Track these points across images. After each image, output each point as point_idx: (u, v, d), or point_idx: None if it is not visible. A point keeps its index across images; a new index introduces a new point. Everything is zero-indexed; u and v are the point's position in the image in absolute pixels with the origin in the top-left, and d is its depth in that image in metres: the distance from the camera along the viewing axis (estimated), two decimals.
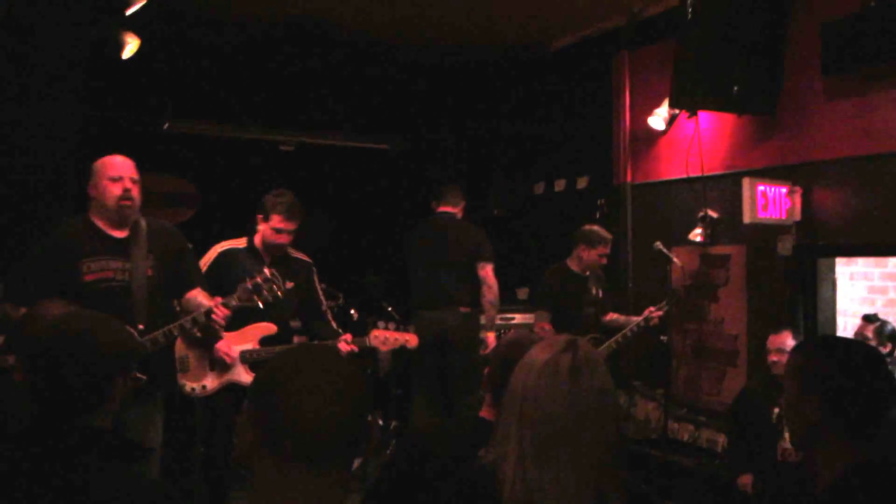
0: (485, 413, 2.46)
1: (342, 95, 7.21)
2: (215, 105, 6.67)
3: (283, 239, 4.50)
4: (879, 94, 4.75)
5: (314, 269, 4.76)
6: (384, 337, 4.57)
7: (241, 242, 4.59)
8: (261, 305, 4.05)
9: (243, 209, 4.77)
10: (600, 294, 5.63)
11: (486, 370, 2.52)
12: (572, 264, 5.59)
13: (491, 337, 5.69)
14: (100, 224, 3.77)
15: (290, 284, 4.46)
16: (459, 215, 5.93)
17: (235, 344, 4.42)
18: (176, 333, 3.85)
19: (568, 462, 1.62)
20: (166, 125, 6.43)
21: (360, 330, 6.54)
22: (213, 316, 3.88)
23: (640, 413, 6.17)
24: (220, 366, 4.42)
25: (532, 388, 1.67)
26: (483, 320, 5.75)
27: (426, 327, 5.40)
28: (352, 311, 6.49)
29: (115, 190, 3.71)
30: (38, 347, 1.86)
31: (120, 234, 3.79)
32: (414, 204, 7.68)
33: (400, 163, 7.72)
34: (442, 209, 5.88)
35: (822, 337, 2.39)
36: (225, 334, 4.33)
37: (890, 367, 4.52)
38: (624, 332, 5.47)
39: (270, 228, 4.47)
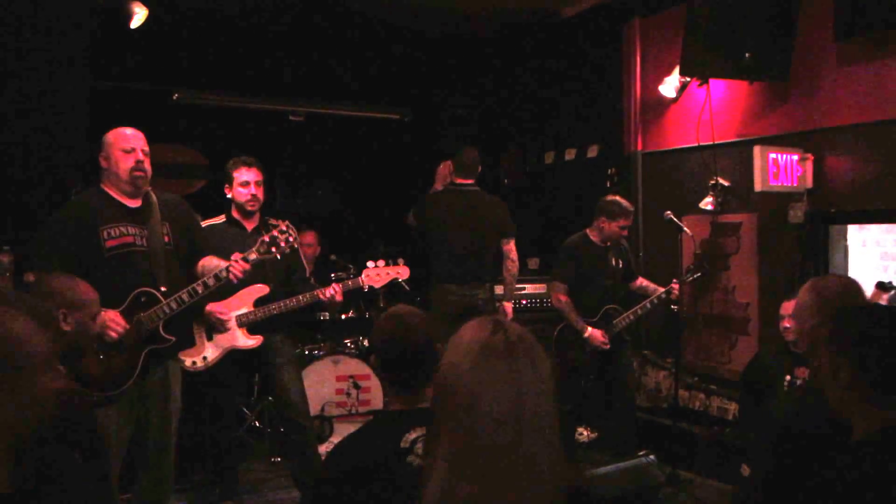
0: (395, 405, 2.35)
1: (352, 65, 7.18)
2: (224, 75, 6.66)
3: (253, 189, 4.58)
4: (892, 60, 4.70)
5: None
6: (376, 274, 4.64)
7: (219, 219, 4.68)
8: (278, 257, 4.15)
9: None
10: (620, 265, 5.54)
11: (371, 358, 2.41)
12: (593, 234, 5.50)
13: (509, 307, 5.72)
14: (113, 194, 3.81)
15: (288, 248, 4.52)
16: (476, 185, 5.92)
17: (230, 309, 4.47)
18: (200, 291, 3.88)
19: (508, 450, 1.52)
20: (175, 95, 6.43)
21: (373, 302, 6.60)
22: (232, 269, 3.93)
23: (650, 382, 6.18)
24: (216, 332, 4.46)
25: (466, 375, 1.56)
26: (501, 291, 5.78)
27: (452, 301, 5.42)
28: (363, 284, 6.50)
29: (128, 161, 3.76)
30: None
31: (133, 203, 3.84)
32: (425, 174, 7.67)
33: (410, 133, 7.70)
34: (462, 181, 5.82)
35: (855, 307, 2.40)
36: (217, 303, 4.39)
37: None
38: (643, 303, 5.43)
39: (237, 186, 4.57)
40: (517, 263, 5.73)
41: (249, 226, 4.61)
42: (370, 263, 4.66)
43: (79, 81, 5.22)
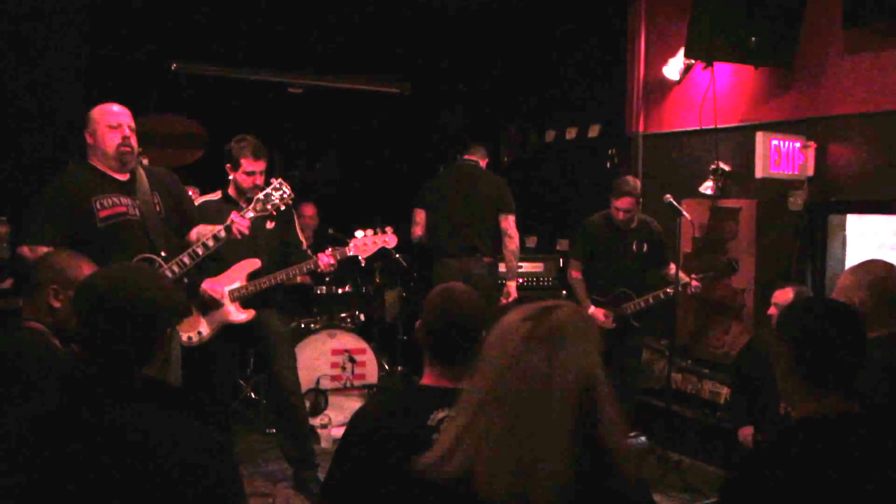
0: (427, 380, 2.30)
1: (352, 38, 7.10)
2: (224, 46, 6.59)
3: (257, 179, 4.56)
4: None
5: (293, 209, 4.81)
6: (363, 243, 4.63)
7: (215, 195, 4.68)
8: (273, 213, 4.22)
9: None
10: (644, 248, 5.44)
11: (417, 324, 2.35)
12: (614, 214, 5.42)
13: (512, 286, 5.73)
14: (102, 168, 3.81)
15: (270, 224, 4.52)
16: (483, 165, 5.89)
17: (222, 284, 4.49)
18: (201, 253, 3.92)
19: (501, 436, 1.55)
20: (174, 66, 6.36)
21: (369, 276, 6.61)
22: (234, 226, 3.98)
23: (644, 364, 6.20)
24: (210, 308, 4.47)
25: (487, 351, 1.62)
26: (504, 269, 5.77)
27: (451, 275, 5.44)
28: (359, 258, 6.50)
29: (115, 138, 3.76)
30: (95, 299, 1.89)
31: (122, 177, 3.85)
32: (424, 150, 7.63)
33: (410, 108, 7.64)
34: (468, 157, 5.83)
35: (801, 297, 2.54)
36: (209, 278, 4.43)
37: None
38: (657, 293, 5.35)
39: (242, 173, 4.55)
40: (516, 241, 5.72)
41: (245, 205, 4.59)
42: (358, 233, 4.66)
43: (76, 51, 5.17)
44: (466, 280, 5.52)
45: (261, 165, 4.57)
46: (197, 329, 4.49)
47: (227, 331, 4.57)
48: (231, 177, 4.60)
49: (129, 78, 5.76)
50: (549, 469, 1.52)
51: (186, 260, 3.87)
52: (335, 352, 5.94)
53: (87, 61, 5.30)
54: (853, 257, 5.30)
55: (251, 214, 4.09)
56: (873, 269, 2.84)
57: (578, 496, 1.54)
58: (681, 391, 5.88)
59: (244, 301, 4.54)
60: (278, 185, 4.15)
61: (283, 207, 4.22)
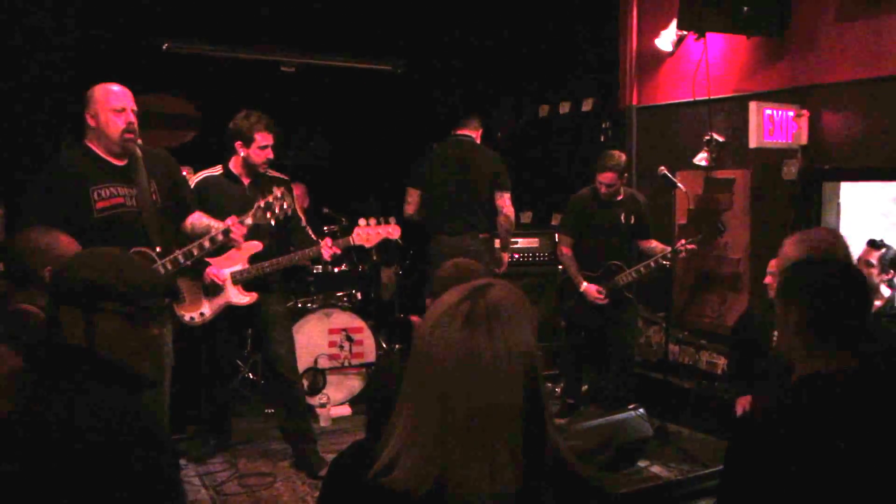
0: None
1: (345, 15, 7.06)
2: (216, 24, 6.54)
3: (269, 154, 4.55)
4: (891, 16, 4.65)
5: (291, 185, 4.80)
6: (366, 233, 4.62)
7: (216, 170, 4.64)
8: (272, 223, 4.18)
9: None
10: (632, 221, 5.46)
11: (427, 302, 2.33)
12: (600, 188, 5.45)
13: (506, 257, 5.82)
14: (100, 152, 3.74)
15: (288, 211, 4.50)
16: (478, 140, 5.87)
17: (224, 266, 4.49)
18: (196, 253, 3.91)
19: (455, 429, 1.41)
20: (166, 45, 6.33)
21: (365, 255, 6.60)
22: (232, 235, 3.96)
23: (641, 336, 6.22)
24: (212, 291, 4.49)
25: (425, 339, 1.46)
26: (497, 244, 5.80)
27: (446, 252, 5.45)
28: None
29: (120, 123, 3.68)
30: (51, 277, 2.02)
31: (120, 162, 3.78)
32: (418, 128, 7.60)
33: (403, 85, 7.62)
34: (461, 132, 5.81)
35: (807, 260, 2.53)
36: (212, 259, 4.42)
37: (891, 289, 4.54)
38: (647, 262, 5.38)
39: (256, 148, 4.50)
40: (511, 219, 5.71)
41: (247, 181, 4.59)
42: (361, 221, 4.64)
43: (67, 30, 5.13)
44: (463, 256, 5.54)
45: (273, 139, 4.54)
46: (199, 310, 4.52)
47: (227, 311, 4.58)
48: (241, 153, 4.53)
49: (120, 57, 5.72)
50: (507, 463, 1.41)
51: (181, 258, 3.84)
52: (333, 331, 5.94)
53: (79, 41, 5.27)
54: (848, 225, 5.31)
55: (250, 221, 4.05)
56: (818, 239, 2.77)
57: (528, 495, 1.44)
58: (678, 362, 5.92)
59: (246, 284, 4.55)
60: (280, 195, 4.09)
61: (281, 217, 4.19)
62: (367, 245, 4.69)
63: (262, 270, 4.52)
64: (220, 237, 3.94)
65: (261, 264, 4.52)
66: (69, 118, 4.98)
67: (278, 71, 7.02)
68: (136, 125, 3.72)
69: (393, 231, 4.69)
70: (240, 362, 5.98)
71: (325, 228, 6.40)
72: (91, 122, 3.70)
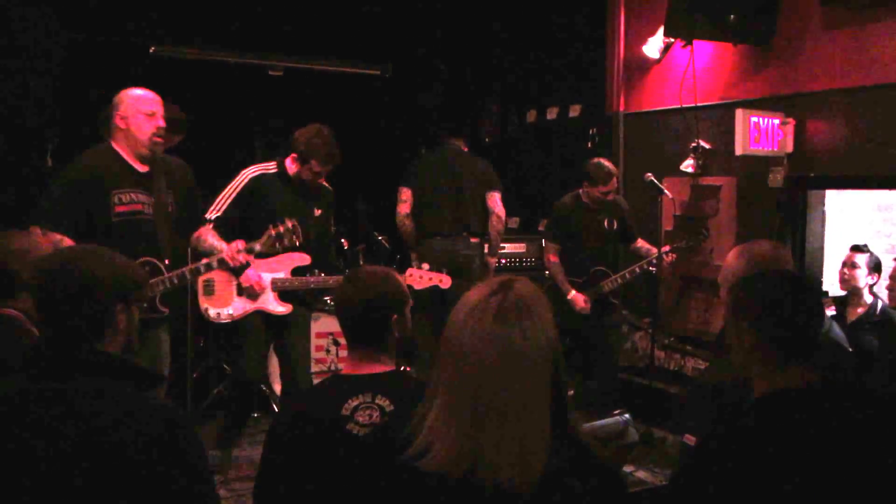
0: (346, 368, 2.38)
1: (332, 19, 7.06)
2: (203, 28, 6.53)
3: (321, 179, 4.51)
4: (877, 25, 4.69)
5: (333, 196, 4.79)
6: (419, 275, 4.57)
7: (270, 167, 4.54)
8: (280, 251, 4.16)
9: (231, 134, 4.72)
10: (615, 226, 5.48)
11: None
12: (583, 195, 5.45)
13: (494, 262, 5.81)
14: (125, 156, 3.77)
15: (318, 212, 4.49)
16: (465, 147, 5.89)
17: (267, 271, 4.41)
18: (203, 271, 3.95)
19: (490, 416, 1.52)
20: (152, 49, 6.30)
21: (351, 260, 6.60)
22: (227, 258, 3.96)
23: (627, 342, 6.24)
24: (248, 293, 4.42)
25: (457, 333, 1.57)
26: (486, 248, 5.80)
27: (436, 256, 5.46)
28: (342, 241, 6.49)
29: (150, 126, 3.74)
30: (37, 277, 1.94)
31: (143, 168, 3.81)
32: (405, 131, 7.60)
33: (391, 90, 7.61)
34: (451, 140, 5.84)
35: (758, 273, 2.48)
36: (257, 261, 4.33)
37: (873, 296, 4.58)
38: (632, 267, 5.40)
39: (309, 171, 4.43)
40: (503, 219, 5.73)
41: (298, 183, 4.51)
42: (414, 264, 4.65)
43: (52, 33, 5.11)
44: (453, 260, 5.55)
45: (329, 169, 4.48)
46: (227, 308, 4.41)
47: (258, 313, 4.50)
48: (295, 167, 4.45)
49: (107, 61, 5.70)
50: (537, 448, 1.51)
51: (187, 274, 3.87)
52: (319, 335, 5.92)
53: (64, 45, 5.24)
54: (833, 232, 5.35)
55: (258, 248, 4.04)
56: (759, 252, 2.70)
57: (553, 479, 1.52)
58: (664, 368, 5.93)
59: (282, 294, 4.48)
60: (291, 228, 4.07)
61: (289, 248, 4.17)
62: (417, 287, 4.55)
63: (306, 285, 4.46)
64: (215, 265, 3.96)
65: (305, 279, 4.44)
66: (56, 121, 4.97)
67: (266, 75, 7.01)
68: (164, 131, 3.79)
69: (444, 280, 4.61)
70: (226, 367, 5.96)
71: None
72: (121, 125, 3.73)
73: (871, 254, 4.72)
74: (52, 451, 1.71)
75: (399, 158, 6.15)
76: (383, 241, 6.44)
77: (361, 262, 6.70)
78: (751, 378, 1.97)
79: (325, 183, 4.68)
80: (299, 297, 4.55)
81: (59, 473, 1.70)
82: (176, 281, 3.82)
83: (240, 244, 4.00)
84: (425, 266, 4.60)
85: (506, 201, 5.84)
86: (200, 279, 4.34)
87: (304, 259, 4.46)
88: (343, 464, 2.11)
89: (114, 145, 3.77)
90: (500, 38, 7.53)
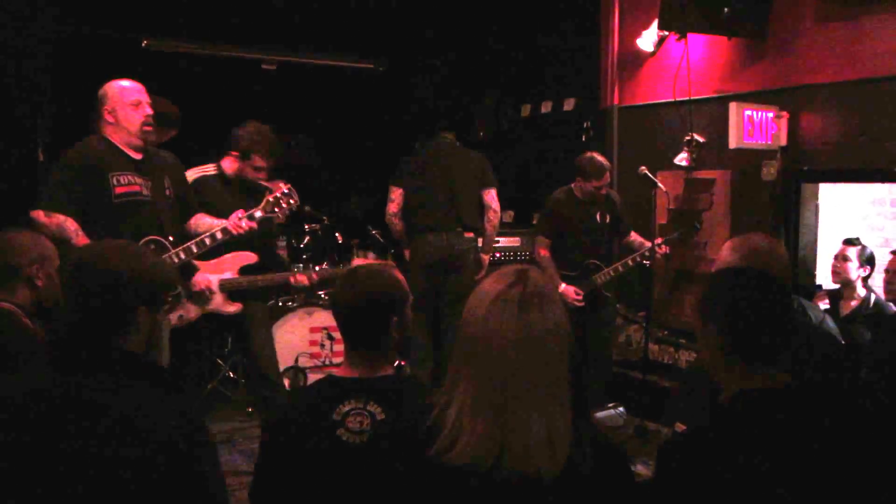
0: (340, 370, 2.32)
1: (326, 13, 7.04)
2: (196, 22, 6.51)
3: (263, 175, 4.54)
4: (871, 18, 4.69)
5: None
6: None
7: (209, 169, 4.60)
8: (281, 217, 4.27)
9: (225, 129, 4.71)
10: (607, 220, 5.47)
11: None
12: (576, 189, 5.44)
13: (486, 259, 5.78)
14: (119, 145, 3.83)
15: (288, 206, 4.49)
16: (457, 141, 5.88)
17: (213, 273, 4.44)
18: (208, 243, 4.00)
19: (518, 406, 1.54)
20: (145, 42, 6.28)
21: (344, 254, 6.59)
22: (230, 227, 4.04)
23: (621, 335, 6.25)
24: (199, 296, 4.43)
25: (482, 325, 1.59)
26: (481, 243, 5.79)
27: (428, 251, 5.44)
28: (336, 235, 6.49)
29: (139, 116, 3.81)
30: (69, 269, 1.97)
31: (137, 155, 3.88)
32: (399, 126, 7.59)
33: (385, 84, 7.61)
34: (443, 133, 5.83)
35: (723, 269, 2.44)
36: (202, 264, 4.38)
37: (867, 289, 4.58)
38: (625, 260, 5.40)
39: (251, 167, 4.49)
40: (499, 214, 5.73)
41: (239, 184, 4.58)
42: (359, 253, 4.66)
43: (44, 26, 5.08)
44: (449, 256, 5.55)
45: (272, 163, 4.52)
46: (179, 312, 4.42)
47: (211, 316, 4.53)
48: (237, 165, 4.50)
49: (99, 54, 5.68)
50: (562, 435, 1.55)
51: (194, 248, 3.95)
52: (314, 329, 5.92)
53: (57, 38, 5.22)
54: (826, 226, 5.36)
55: (259, 214, 4.11)
56: (753, 246, 2.65)
57: (573, 463, 1.55)
58: (658, 361, 5.94)
59: (231, 293, 4.50)
60: (288, 191, 4.16)
61: (287, 213, 4.26)
62: None
63: (255, 285, 4.50)
64: (219, 235, 4.04)
65: (253, 278, 4.49)
66: (48, 114, 4.95)
67: (259, 69, 7.00)
68: (152, 118, 3.85)
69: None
70: (220, 362, 5.96)
71: (307, 227, 6.38)
72: (109, 119, 3.81)
73: (864, 247, 4.73)
74: (66, 445, 1.70)
75: (393, 153, 6.13)
76: (377, 236, 6.43)
77: (355, 256, 6.71)
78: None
79: (266, 183, 4.70)
80: (252, 293, 4.58)
81: (72, 469, 1.69)
82: (183, 255, 3.90)
83: (240, 212, 4.08)
84: (370, 255, 4.63)
85: (500, 195, 5.83)
86: None
87: (249, 258, 4.51)
88: (333, 470, 2.09)
89: (107, 136, 3.84)
90: (494, 32, 7.51)
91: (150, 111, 3.84)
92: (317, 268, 4.62)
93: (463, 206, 5.63)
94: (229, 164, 4.54)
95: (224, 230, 4.03)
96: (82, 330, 1.87)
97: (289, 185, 4.20)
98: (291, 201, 4.18)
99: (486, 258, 5.79)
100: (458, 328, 1.69)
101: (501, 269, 1.70)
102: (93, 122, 3.88)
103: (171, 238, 3.90)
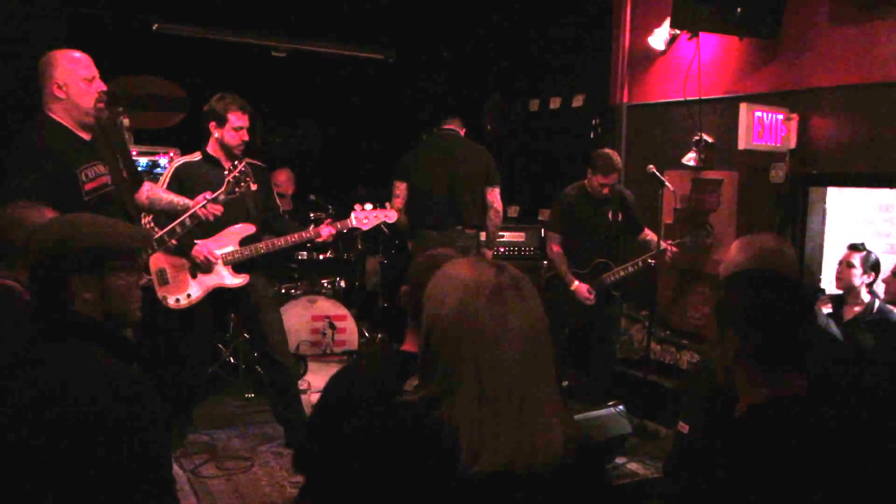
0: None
1: (338, 2, 7.03)
2: (206, 6, 6.49)
3: (245, 135, 4.51)
4: (884, 22, 4.66)
5: (268, 173, 4.87)
6: (364, 216, 4.67)
7: (195, 156, 4.59)
8: (241, 193, 4.22)
9: None
10: (619, 218, 5.46)
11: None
12: (588, 186, 5.44)
13: (488, 254, 5.77)
14: (70, 126, 3.57)
15: (254, 187, 4.48)
16: (462, 133, 5.85)
17: (215, 247, 4.45)
18: (179, 231, 3.97)
19: (534, 398, 1.49)
20: (155, 26, 6.27)
21: (350, 243, 6.60)
22: (203, 212, 4.02)
23: (623, 334, 6.23)
24: (202, 271, 4.44)
25: (480, 319, 1.50)
26: (483, 238, 5.78)
27: (430, 247, 5.42)
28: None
29: (92, 92, 3.54)
30: (32, 241, 2.02)
31: (86, 136, 3.63)
32: (406, 118, 7.58)
33: (394, 75, 7.59)
34: (448, 126, 5.78)
35: (740, 272, 2.39)
36: (201, 241, 4.39)
37: (871, 295, 4.56)
38: (635, 261, 5.37)
39: (231, 129, 4.47)
40: (501, 214, 5.72)
41: (227, 164, 4.49)
42: (357, 206, 4.65)
43: (55, 8, 5.08)
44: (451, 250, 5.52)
45: (247, 120, 4.51)
46: (185, 292, 4.44)
47: (212, 294, 4.54)
48: (216, 135, 4.49)
49: (109, 37, 5.67)
50: (559, 427, 1.51)
51: (165, 238, 3.91)
52: (315, 317, 5.94)
53: (67, 19, 5.21)
54: (833, 230, 5.34)
55: (223, 198, 4.10)
56: (762, 246, 2.59)
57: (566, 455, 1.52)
58: (659, 361, 5.93)
59: (236, 265, 4.52)
60: (244, 168, 4.19)
61: (251, 188, 4.27)
62: (365, 228, 4.76)
63: (256, 252, 4.49)
64: (203, 216, 4.01)
65: (255, 245, 4.49)
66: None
67: (269, 55, 6.98)
68: (105, 94, 3.60)
69: (390, 215, 4.75)
70: (221, 346, 5.96)
71: (312, 216, 6.38)
72: (59, 94, 3.48)
73: (869, 252, 4.71)
74: (3, 417, 1.74)
75: (401, 144, 6.12)
76: (382, 227, 6.42)
77: (360, 247, 6.72)
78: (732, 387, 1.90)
79: (256, 161, 4.72)
80: (253, 264, 4.57)
81: (8, 438, 1.72)
82: (156, 246, 3.85)
83: (207, 195, 4.05)
84: (368, 205, 4.65)
85: (506, 190, 5.82)
86: (153, 270, 4.36)
87: (248, 229, 4.51)
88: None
89: (54, 117, 3.52)
90: (504, 27, 7.49)
91: (104, 87, 3.56)
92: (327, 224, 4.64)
93: (465, 203, 5.60)
94: (212, 144, 4.53)
95: (193, 216, 3.98)
96: (39, 298, 1.94)
97: (243, 163, 4.22)
98: (248, 178, 4.19)
99: (489, 253, 5.78)
100: (429, 316, 1.59)
101: (463, 259, 1.66)
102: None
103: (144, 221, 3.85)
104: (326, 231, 4.59)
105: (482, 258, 1.63)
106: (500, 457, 1.46)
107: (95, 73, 3.57)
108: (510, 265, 1.62)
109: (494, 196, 5.65)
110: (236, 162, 4.23)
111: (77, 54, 3.55)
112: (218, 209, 4.08)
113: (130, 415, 1.76)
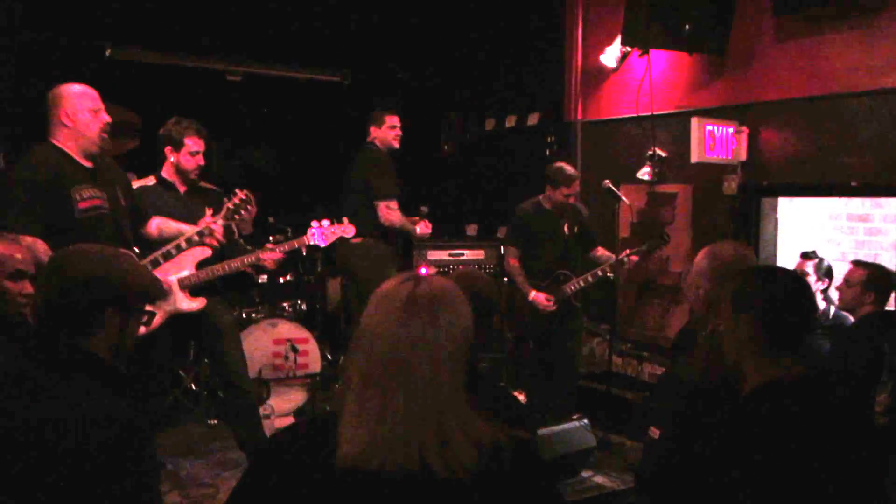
0: None
1: (291, 26, 7.04)
2: (160, 30, 6.46)
3: (201, 160, 4.50)
4: (828, 36, 4.80)
5: (224, 198, 4.77)
6: (322, 232, 4.65)
7: (149, 180, 4.56)
8: (238, 223, 4.29)
9: None
10: (575, 231, 5.51)
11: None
12: (545, 201, 5.47)
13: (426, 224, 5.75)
14: (72, 153, 3.71)
15: (209, 211, 4.45)
16: (377, 142, 5.79)
17: (171, 273, 4.38)
18: (173, 254, 4.00)
19: (401, 402, 1.52)
20: (108, 51, 6.21)
21: (311, 265, 6.56)
22: (215, 234, 4.13)
23: (584, 347, 6.28)
24: (158, 297, 4.38)
25: (368, 319, 1.59)
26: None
27: (342, 254, 5.49)
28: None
29: (98, 122, 3.70)
30: (41, 270, 2.06)
31: (88, 164, 3.76)
32: (363, 138, 7.59)
33: (349, 97, 7.61)
34: (368, 139, 5.84)
35: (759, 267, 2.61)
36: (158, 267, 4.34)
37: (826, 301, 4.65)
38: (594, 271, 5.41)
39: (187, 154, 4.46)
40: (395, 225, 5.57)
41: (183, 189, 4.52)
42: (314, 223, 4.63)
43: (7, 33, 5.02)
44: (344, 265, 5.67)
45: (203, 144, 4.50)
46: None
47: (169, 320, 4.47)
48: (171, 159, 4.47)
49: (61, 62, 5.61)
50: (457, 434, 1.52)
51: (161, 259, 3.94)
52: (277, 341, 5.87)
53: (18, 44, 5.15)
54: (785, 239, 5.45)
55: (221, 222, 4.12)
56: (721, 254, 2.67)
57: (489, 460, 1.53)
58: (621, 374, 5.98)
59: (192, 289, 4.47)
60: (246, 197, 4.18)
61: (247, 219, 4.34)
62: (323, 244, 4.72)
63: (213, 275, 4.44)
64: (196, 238, 4.04)
65: (211, 268, 4.42)
66: (7, 119, 4.88)
67: (224, 80, 6.95)
68: (109, 126, 3.76)
69: (347, 230, 4.72)
70: (182, 372, 5.88)
71: (271, 238, 6.33)
72: (67, 122, 3.65)
73: (821, 260, 4.82)
74: (4, 434, 1.74)
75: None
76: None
77: (319, 269, 6.69)
78: (733, 375, 2.08)
79: (212, 186, 4.70)
80: (211, 287, 4.52)
81: (5, 460, 1.72)
82: (150, 268, 3.87)
83: (208, 219, 4.12)
84: (325, 221, 4.64)
85: (465, 208, 5.82)
86: None
87: (204, 252, 4.42)
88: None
89: (57, 144, 3.68)
90: (459, 47, 7.56)
91: (108, 119, 3.75)
92: (275, 245, 4.60)
93: (364, 213, 5.51)
94: (167, 169, 4.51)
95: (188, 240, 4.03)
96: (47, 327, 1.90)
97: (246, 192, 4.20)
98: (249, 207, 4.20)
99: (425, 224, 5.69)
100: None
101: (404, 272, 1.70)
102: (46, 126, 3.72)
103: (136, 249, 3.85)
104: (268, 255, 4.55)
105: (411, 272, 1.66)
106: (354, 448, 1.50)
107: (101, 105, 3.73)
108: (436, 278, 1.66)
109: (381, 210, 5.54)
110: (237, 189, 4.22)
111: (82, 88, 3.73)
112: (220, 233, 4.12)
113: (132, 451, 1.77)
